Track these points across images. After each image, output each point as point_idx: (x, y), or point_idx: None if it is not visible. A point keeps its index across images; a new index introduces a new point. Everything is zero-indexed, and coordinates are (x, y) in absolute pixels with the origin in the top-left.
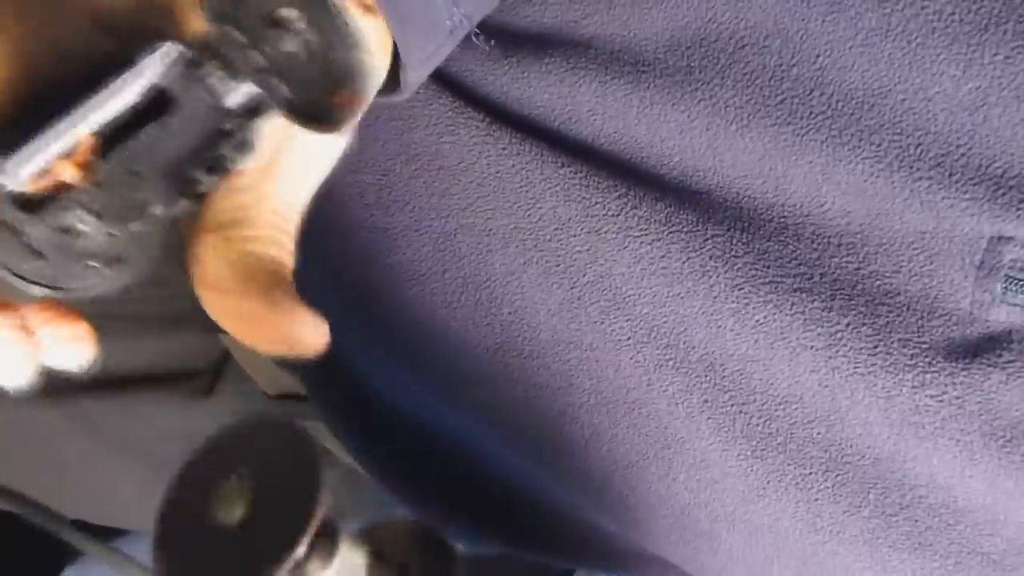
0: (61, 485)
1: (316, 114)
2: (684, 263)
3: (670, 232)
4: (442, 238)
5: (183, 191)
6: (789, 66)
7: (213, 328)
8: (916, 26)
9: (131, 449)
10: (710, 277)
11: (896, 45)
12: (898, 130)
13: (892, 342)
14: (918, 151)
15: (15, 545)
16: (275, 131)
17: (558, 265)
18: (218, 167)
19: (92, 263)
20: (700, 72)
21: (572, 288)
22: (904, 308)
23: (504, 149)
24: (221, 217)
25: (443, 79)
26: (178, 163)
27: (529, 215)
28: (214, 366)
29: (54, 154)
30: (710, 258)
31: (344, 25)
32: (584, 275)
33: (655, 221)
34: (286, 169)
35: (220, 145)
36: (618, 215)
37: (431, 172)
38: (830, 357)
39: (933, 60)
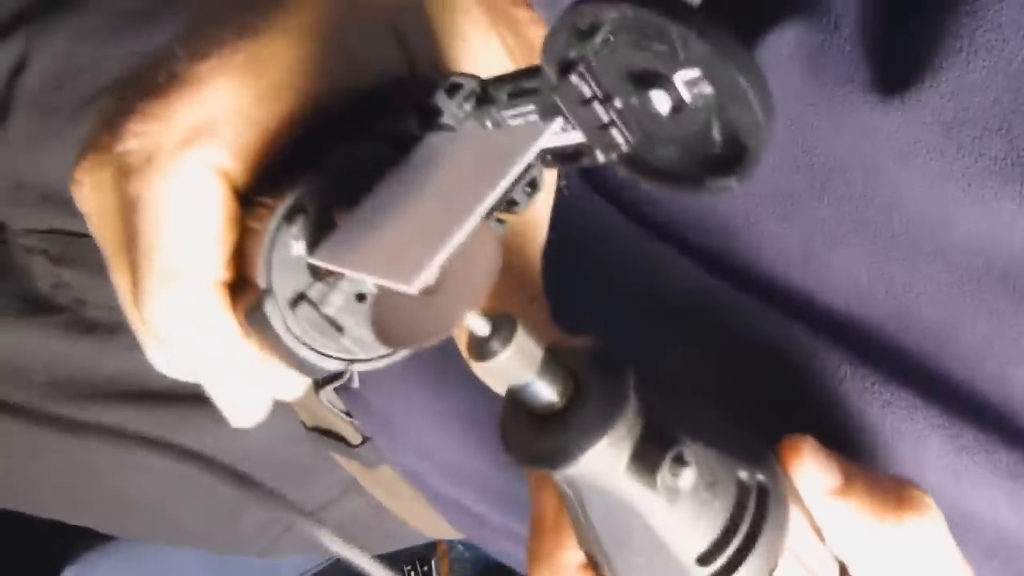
0: (87, 496)
1: (674, 173)
2: (808, 345)
3: (788, 318)
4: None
5: None
6: (872, 195)
7: None
8: (975, 172)
9: (159, 461)
10: (835, 358)
11: (958, 187)
12: (966, 249)
13: (991, 429)
14: (985, 267)
15: (15, 545)
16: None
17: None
18: (506, 211)
19: None
20: (800, 194)
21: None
22: (990, 408)
23: (632, 242)
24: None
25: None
26: None
27: (652, 295)
28: None
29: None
30: (833, 342)
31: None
32: (710, 357)
33: (773, 309)
34: (544, 209)
35: (511, 190)
36: (738, 302)
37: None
38: (956, 435)
39: (991, 199)
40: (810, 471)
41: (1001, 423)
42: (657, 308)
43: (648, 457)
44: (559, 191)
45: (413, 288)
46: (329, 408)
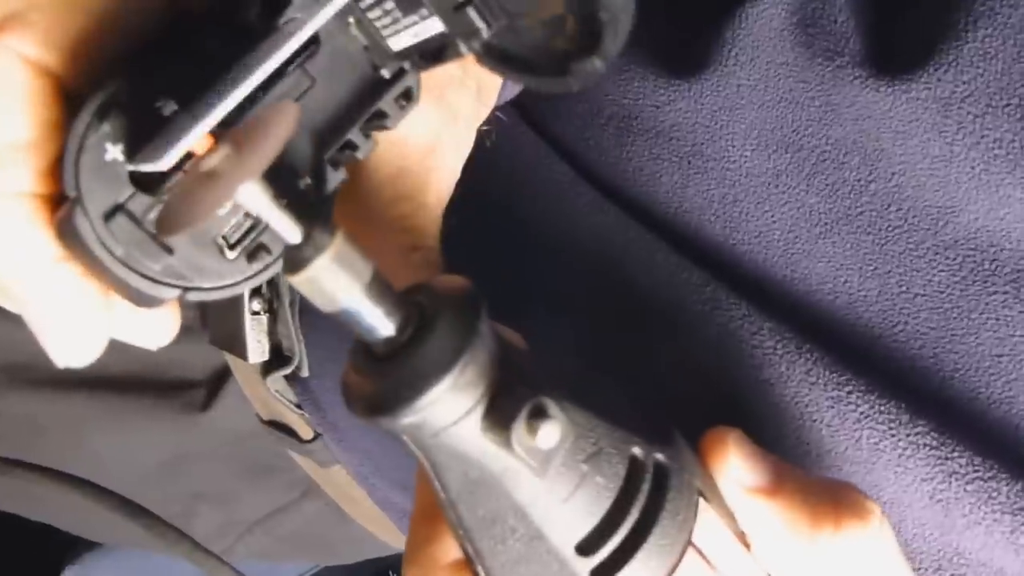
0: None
1: (538, 61)
2: (777, 342)
3: (761, 312)
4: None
5: (334, 159)
6: (867, 181)
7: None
8: (978, 154)
9: (115, 454)
10: (807, 360)
11: (961, 170)
12: (972, 246)
13: (990, 453)
14: (992, 266)
15: (15, 545)
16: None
17: (637, 336)
18: (375, 126)
19: (229, 254)
20: (787, 176)
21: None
22: (991, 430)
23: (585, 207)
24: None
25: (533, 124)
26: (328, 123)
27: (609, 277)
28: (213, 381)
29: (205, 132)
30: (806, 340)
31: None
32: (664, 346)
33: (742, 295)
34: (450, 154)
35: (377, 98)
36: (707, 286)
37: (510, 221)
38: (944, 458)
39: (999, 184)
40: (733, 466)
41: (1003, 448)
42: (612, 291)
43: (504, 408)
44: (480, 146)
45: (161, 166)
46: (278, 398)
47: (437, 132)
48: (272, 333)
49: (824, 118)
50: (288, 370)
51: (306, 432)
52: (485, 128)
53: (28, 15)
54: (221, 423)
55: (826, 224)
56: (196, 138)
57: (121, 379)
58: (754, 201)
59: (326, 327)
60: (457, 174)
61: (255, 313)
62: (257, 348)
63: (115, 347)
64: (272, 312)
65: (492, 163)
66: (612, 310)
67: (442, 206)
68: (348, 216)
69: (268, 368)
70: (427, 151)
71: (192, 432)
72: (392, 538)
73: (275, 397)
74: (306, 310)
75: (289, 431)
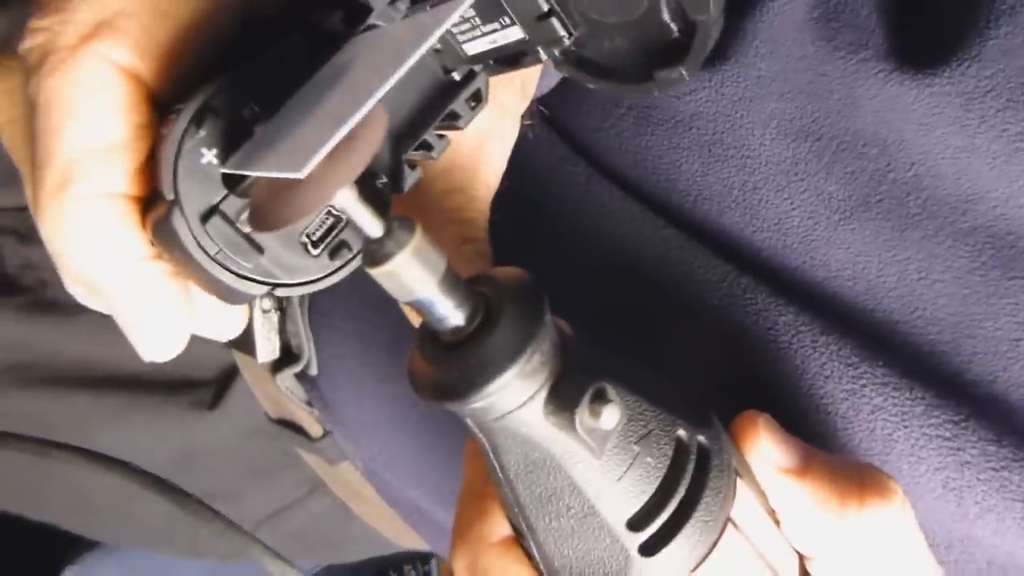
0: (46, 492)
1: (617, 68)
2: (792, 337)
3: (777, 306)
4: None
5: (411, 159)
6: (887, 170)
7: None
8: (999, 146)
9: (122, 452)
10: (822, 355)
11: (982, 161)
12: (992, 233)
13: (1006, 441)
14: (1012, 252)
15: (15, 545)
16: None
17: (652, 333)
18: (447, 126)
19: (313, 251)
20: (806, 164)
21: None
22: (1009, 415)
23: (603, 206)
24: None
25: (550, 118)
26: (404, 125)
27: (625, 275)
28: (221, 379)
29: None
30: (821, 333)
31: None
32: (679, 343)
33: (760, 291)
34: (498, 147)
35: (449, 100)
36: (723, 281)
37: (530, 217)
38: (957, 449)
39: (1019, 175)
40: (765, 447)
41: (1020, 434)
42: (628, 289)
43: (566, 393)
44: (524, 138)
45: (303, 174)
46: (288, 395)
47: (487, 127)
48: (282, 331)
49: (844, 110)
50: (297, 368)
51: (315, 430)
52: (528, 123)
53: (118, 23)
54: (229, 421)
55: (845, 212)
56: (335, 143)
57: (129, 378)
58: (773, 189)
59: (335, 326)
60: (504, 166)
61: (265, 311)
62: (267, 346)
63: (123, 345)
64: (282, 310)
65: (512, 162)
66: (627, 308)
67: (491, 198)
68: (401, 210)
69: (277, 366)
70: (477, 145)
71: (200, 430)
72: (398, 536)
73: (285, 394)
74: (315, 308)
75: (298, 429)
